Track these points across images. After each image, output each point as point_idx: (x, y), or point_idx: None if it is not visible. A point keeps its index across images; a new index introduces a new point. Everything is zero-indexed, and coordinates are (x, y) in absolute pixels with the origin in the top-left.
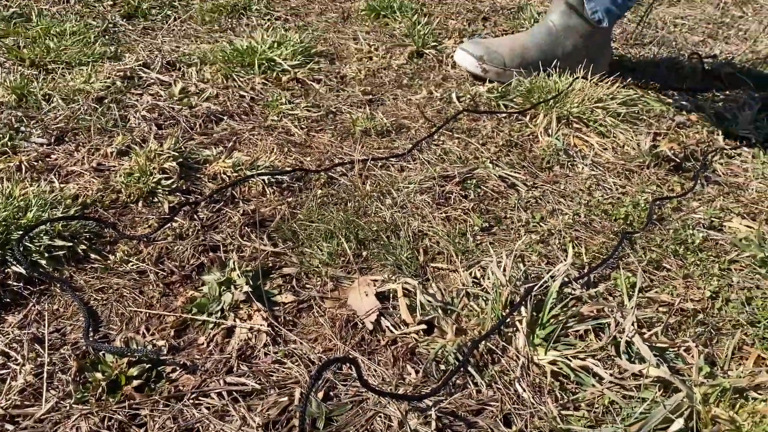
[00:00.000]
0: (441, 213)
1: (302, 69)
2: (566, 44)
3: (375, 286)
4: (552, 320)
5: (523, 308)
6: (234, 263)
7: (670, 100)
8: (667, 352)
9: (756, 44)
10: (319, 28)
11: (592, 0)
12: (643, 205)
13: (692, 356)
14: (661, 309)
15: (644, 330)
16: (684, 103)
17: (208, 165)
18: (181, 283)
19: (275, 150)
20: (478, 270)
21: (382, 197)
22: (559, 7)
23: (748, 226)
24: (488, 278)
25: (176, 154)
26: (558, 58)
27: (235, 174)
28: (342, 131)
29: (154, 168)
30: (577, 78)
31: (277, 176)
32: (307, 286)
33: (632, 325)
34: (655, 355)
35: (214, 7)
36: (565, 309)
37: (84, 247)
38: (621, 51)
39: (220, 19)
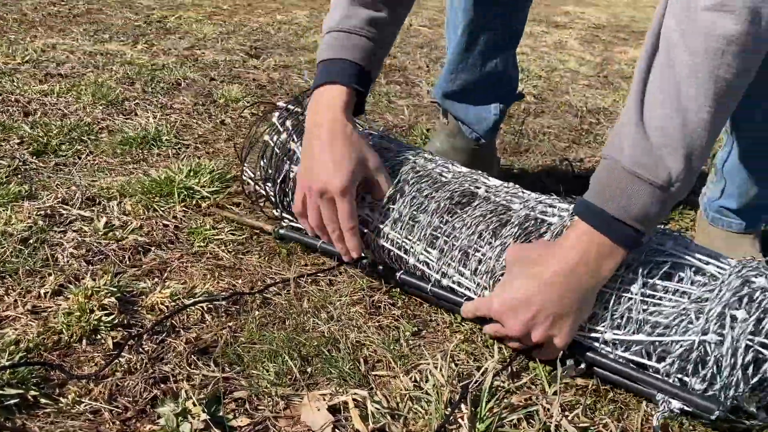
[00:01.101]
0: (374, 322)
1: (221, 195)
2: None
3: (325, 400)
4: (489, 413)
5: (463, 405)
6: (186, 392)
7: None
8: (589, 430)
9: None
10: (230, 154)
11: (465, 124)
12: None
13: (611, 430)
14: (578, 392)
15: (567, 413)
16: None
17: (144, 297)
18: (137, 418)
19: (207, 276)
20: (417, 374)
21: (317, 312)
22: (441, 132)
23: None
24: (427, 381)
25: (114, 289)
26: None
27: (173, 303)
28: (268, 251)
29: (93, 305)
30: None
31: (214, 302)
32: (260, 407)
33: (558, 409)
34: None
35: (123, 139)
36: (498, 402)
37: (34, 392)
38: (504, 160)
39: (132, 151)
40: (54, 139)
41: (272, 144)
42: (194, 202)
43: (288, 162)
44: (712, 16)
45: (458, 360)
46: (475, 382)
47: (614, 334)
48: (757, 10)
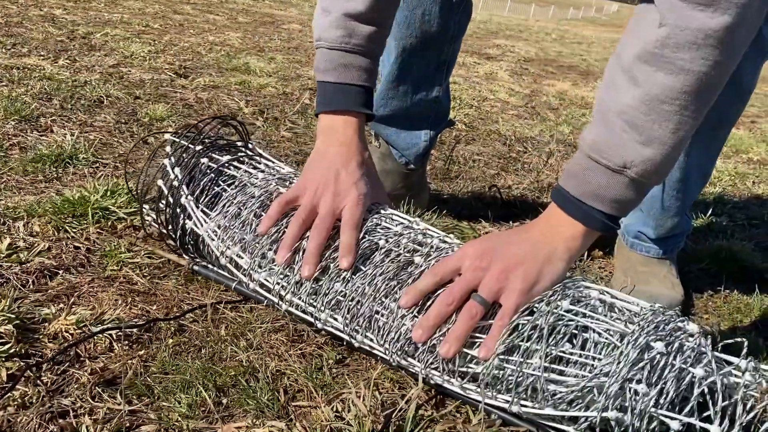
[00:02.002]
0: (297, 350)
1: (137, 215)
2: (386, 185)
3: None
4: None
5: None
6: (87, 428)
7: (480, 228)
8: None
9: (539, 175)
10: (150, 174)
11: (396, 149)
12: None
13: None
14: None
15: None
16: (489, 229)
17: (47, 324)
18: None
19: (119, 301)
20: (339, 403)
21: (236, 340)
22: (373, 155)
23: None
24: (349, 410)
25: (11, 315)
26: None
27: (79, 331)
28: (186, 276)
29: None
30: None
31: (125, 330)
32: None
33: None
34: None
35: (36, 157)
36: (422, 431)
37: None
38: (435, 185)
39: (44, 169)
40: None
41: (166, 193)
42: (110, 223)
43: (182, 216)
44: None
45: (382, 388)
46: (399, 410)
47: (521, 407)
48: (741, 4)
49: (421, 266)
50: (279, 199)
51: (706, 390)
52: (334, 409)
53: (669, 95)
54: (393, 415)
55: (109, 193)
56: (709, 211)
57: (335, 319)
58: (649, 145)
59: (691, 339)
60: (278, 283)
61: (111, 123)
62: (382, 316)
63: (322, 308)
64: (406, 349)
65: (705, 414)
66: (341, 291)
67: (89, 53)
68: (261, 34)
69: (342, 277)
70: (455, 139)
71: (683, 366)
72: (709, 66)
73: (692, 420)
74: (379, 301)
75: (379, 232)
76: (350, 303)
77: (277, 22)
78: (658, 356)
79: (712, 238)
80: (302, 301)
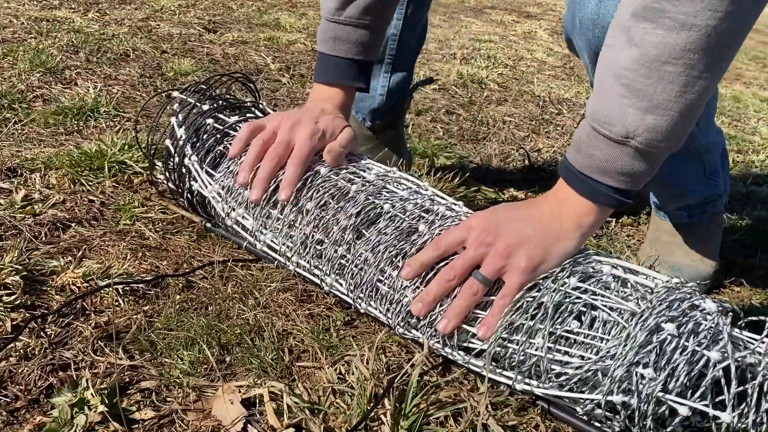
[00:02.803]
0: (304, 310)
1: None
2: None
3: (240, 392)
4: (414, 410)
5: (386, 400)
6: (87, 381)
7: (506, 192)
8: (518, 429)
9: (572, 138)
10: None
11: (358, 112)
12: None
13: (541, 431)
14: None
15: (498, 411)
16: (515, 194)
17: (55, 276)
18: (27, 408)
19: (128, 256)
20: (343, 366)
21: (244, 298)
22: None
23: None
24: (352, 373)
25: (19, 267)
26: None
27: (86, 284)
28: (200, 232)
29: None
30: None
31: (132, 285)
32: (168, 399)
33: (486, 408)
34: None
35: (58, 109)
36: (425, 397)
37: None
38: (461, 148)
39: (66, 121)
40: None
41: (173, 152)
42: (126, 177)
43: (188, 178)
44: None
45: (389, 352)
46: (402, 376)
47: (525, 384)
48: None
49: (424, 235)
50: (249, 123)
51: (721, 374)
52: (338, 371)
53: (671, 54)
54: (396, 380)
55: (126, 147)
56: (749, 180)
57: (340, 285)
58: (653, 112)
59: (708, 318)
60: (284, 244)
61: (135, 77)
62: (384, 285)
63: (328, 272)
64: (409, 320)
65: (719, 398)
66: (345, 256)
67: (119, 6)
68: None
69: (345, 240)
70: (486, 99)
71: (696, 348)
72: (719, 18)
73: (699, 405)
74: (380, 270)
75: (384, 196)
76: (353, 269)
77: None
78: (668, 338)
79: (750, 208)
80: (307, 263)
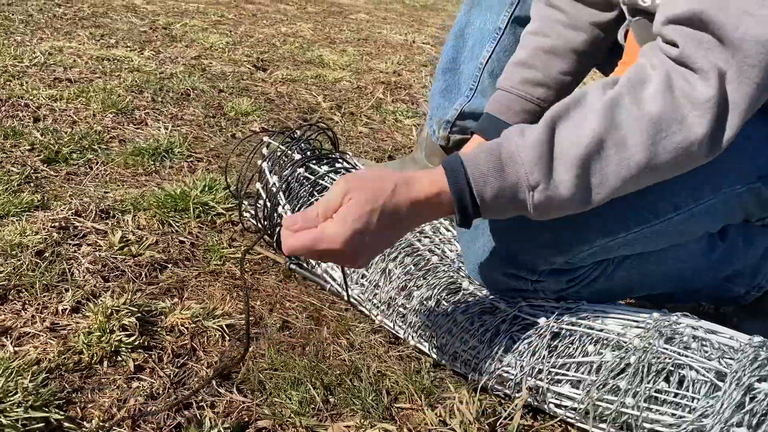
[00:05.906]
0: (395, 352)
1: (235, 211)
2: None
3: None
4: None
5: None
6: (211, 420)
7: None
8: None
9: None
10: (242, 170)
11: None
12: None
13: None
14: None
15: None
16: None
17: (164, 317)
18: None
19: (225, 296)
20: (442, 408)
21: (338, 339)
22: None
23: None
24: (453, 416)
25: (134, 309)
26: None
27: (193, 325)
28: (285, 271)
29: (113, 325)
30: None
31: (232, 324)
32: None
33: None
34: None
35: (135, 150)
36: None
37: (57, 416)
38: None
39: (143, 162)
40: (65, 147)
41: (264, 196)
42: (209, 218)
43: (276, 215)
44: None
45: (481, 394)
46: (506, 417)
47: None
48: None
49: (504, 312)
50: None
51: None
52: (438, 414)
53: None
54: (497, 424)
55: (207, 189)
56: None
57: (423, 345)
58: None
59: None
60: (370, 300)
61: (200, 117)
62: (465, 353)
63: (410, 334)
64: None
65: None
66: (427, 325)
67: (171, 44)
68: (330, 24)
69: (426, 308)
70: None
71: None
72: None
73: None
74: (463, 342)
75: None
76: (435, 334)
77: (344, 11)
78: (762, 397)
79: None
80: (392, 322)
